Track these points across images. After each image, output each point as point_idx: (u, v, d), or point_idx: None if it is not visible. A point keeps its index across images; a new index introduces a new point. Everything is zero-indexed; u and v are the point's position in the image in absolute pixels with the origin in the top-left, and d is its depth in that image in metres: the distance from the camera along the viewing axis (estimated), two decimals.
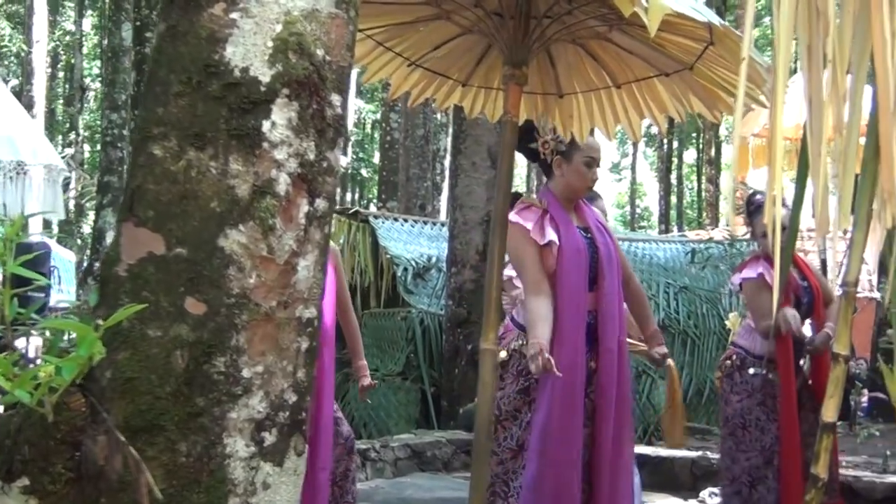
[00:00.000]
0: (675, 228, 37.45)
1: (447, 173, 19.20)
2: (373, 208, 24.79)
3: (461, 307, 9.96)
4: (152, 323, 2.00)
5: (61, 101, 41.86)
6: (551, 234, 3.95)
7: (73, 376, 1.89)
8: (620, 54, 3.90)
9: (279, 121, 2.06)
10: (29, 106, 22.43)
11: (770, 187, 1.86)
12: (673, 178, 42.03)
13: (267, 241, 2.04)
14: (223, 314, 2.00)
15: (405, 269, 11.47)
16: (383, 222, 12.52)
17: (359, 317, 11.84)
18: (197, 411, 1.98)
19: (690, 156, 45.88)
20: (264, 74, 2.05)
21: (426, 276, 11.69)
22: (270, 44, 2.06)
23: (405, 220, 13.08)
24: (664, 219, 39.78)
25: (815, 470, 2.53)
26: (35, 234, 16.55)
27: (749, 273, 5.68)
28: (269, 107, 2.05)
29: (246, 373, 2.02)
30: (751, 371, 5.68)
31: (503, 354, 4.04)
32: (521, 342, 4.02)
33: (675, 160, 42.08)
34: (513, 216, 3.94)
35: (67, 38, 38.64)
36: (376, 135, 38.55)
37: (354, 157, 38.83)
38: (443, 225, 13.05)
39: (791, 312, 5.27)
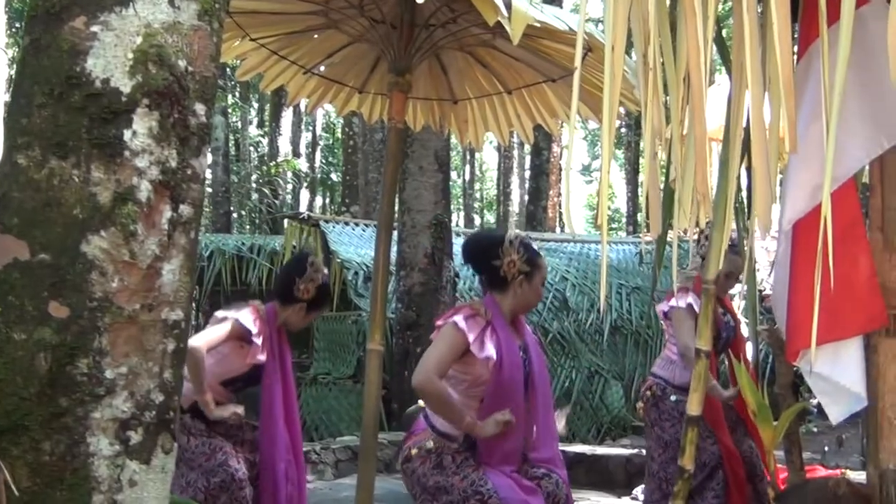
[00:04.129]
0: (644, 230, 37.44)
1: None
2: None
3: (410, 310, 10.03)
4: (17, 327, 2.07)
5: None
6: (490, 350, 3.93)
7: None
8: (509, 61, 4.00)
9: (140, 130, 2.13)
10: None
11: (601, 188, 1.95)
12: (641, 178, 41.92)
13: (129, 246, 2.11)
14: (86, 317, 2.07)
15: (356, 273, 11.51)
16: (334, 227, 12.57)
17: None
18: (60, 411, 2.05)
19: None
20: (125, 85, 2.12)
21: None
22: (131, 55, 2.13)
23: (356, 224, 13.14)
24: (632, 220, 39.82)
25: (681, 462, 2.61)
26: None
27: (678, 302, 5.80)
28: (130, 116, 2.12)
29: (109, 374, 2.09)
30: (673, 398, 5.82)
31: (414, 451, 4.08)
32: (432, 444, 4.02)
33: (642, 161, 42.06)
34: (460, 320, 3.92)
35: None
36: None
37: (324, 161, 38.69)
38: (393, 229, 13.10)
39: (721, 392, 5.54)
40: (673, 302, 5.81)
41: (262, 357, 4.61)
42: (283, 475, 4.67)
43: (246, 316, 4.60)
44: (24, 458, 2.03)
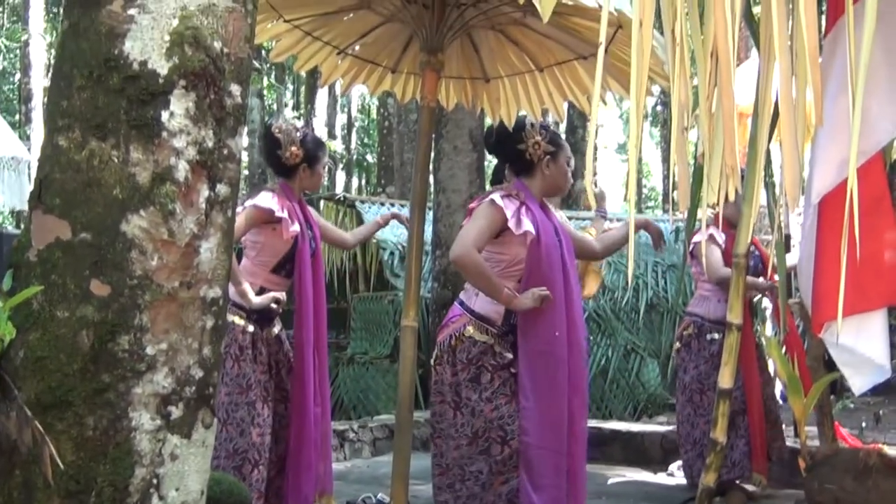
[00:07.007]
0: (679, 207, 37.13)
1: None
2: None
3: (446, 289, 10.04)
4: (60, 304, 2.12)
5: None
6: (528, 225, 4.00)
7: None
8: (540, 39, 4.02)
9: (177, 111, 2.18)
10: (28, 99, 22.40)
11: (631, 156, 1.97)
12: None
13: (167, 225, 2.16)
14: (126, 295, 2.13)
15: (391, 253, 11.51)
16: (370, 207, 12.58)
17: (347, 301, 11.98)
18: (103, 387, 2.10)
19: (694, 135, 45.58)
20: (162, 67, 2.17)
21: None
22: (167, 38, 2.18)
23: (392, 205, 13.14)
24: (668, 198, 39.57)
25: (713, 435, 2.63)
26: None
27: (697, 237, 5.85)
28: (168, 98, 2.17)
29: (150, 350, 2.15)
30: (708, 337, 5.86)
31: (455, 342, 4.11)
32: (471, 329, 4.07)
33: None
34: (497, 198, 4.00)
35: None
36: None
37: (359, 143, 38.76)
38: (429, 209, 13.10)
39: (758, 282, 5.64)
40: (695, 239, 5.87)
41: (296, 228, 4.65)
42: (310, 364, 4.70)
43: (262, 198, 4.62)
44: (68, 433, 2.09)
